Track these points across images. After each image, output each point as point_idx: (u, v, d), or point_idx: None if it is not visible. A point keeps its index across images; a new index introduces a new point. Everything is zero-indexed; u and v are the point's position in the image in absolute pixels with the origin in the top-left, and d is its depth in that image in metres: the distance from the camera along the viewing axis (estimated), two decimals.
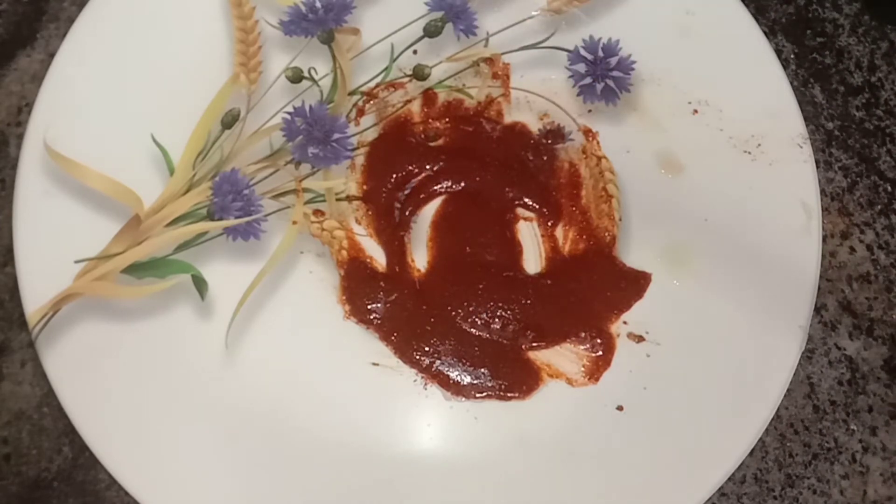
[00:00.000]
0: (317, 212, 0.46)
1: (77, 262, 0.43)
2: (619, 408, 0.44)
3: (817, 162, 0.49)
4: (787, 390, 0.44)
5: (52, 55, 0.47)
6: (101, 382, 0.42)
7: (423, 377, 0.44)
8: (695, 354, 0.45)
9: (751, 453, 0.44)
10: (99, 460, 0.41)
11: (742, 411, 0.44)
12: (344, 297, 0.45)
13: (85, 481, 0.44)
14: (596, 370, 0.45)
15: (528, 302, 0.45)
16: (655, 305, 0.46)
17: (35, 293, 0.43)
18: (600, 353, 0.45)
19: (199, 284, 0.44)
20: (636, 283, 0.46)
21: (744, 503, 0.46)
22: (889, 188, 0.51)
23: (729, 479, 0.43)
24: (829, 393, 0.48)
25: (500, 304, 0.45)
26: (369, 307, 0.45)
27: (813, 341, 0.48)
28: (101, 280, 0.43)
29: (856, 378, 0.48)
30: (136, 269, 0.44)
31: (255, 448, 0.43)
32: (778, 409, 0.44)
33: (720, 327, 0.45)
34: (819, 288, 0.46)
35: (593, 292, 0.46)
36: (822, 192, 0.47)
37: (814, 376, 0.48)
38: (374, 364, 0.44)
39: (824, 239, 0.47)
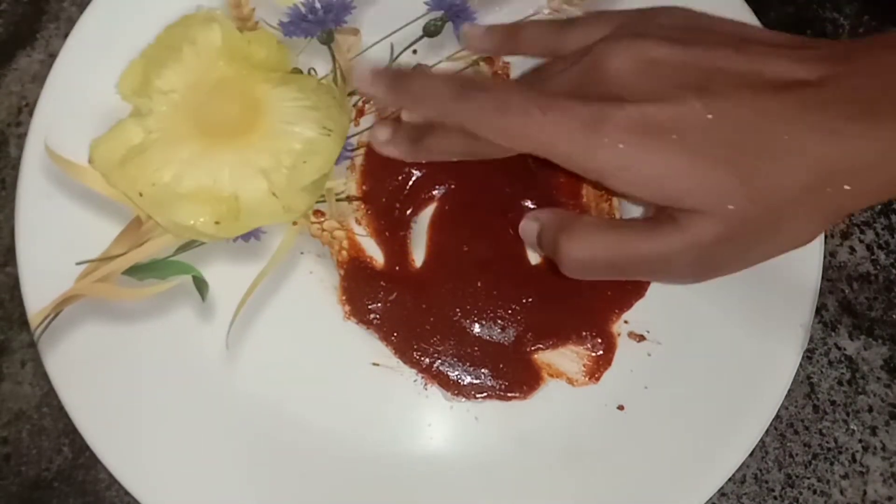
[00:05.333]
0: (317, 212, 0.46)
1: (78, 263, 0.43)
2: (620, 407, 0.44)
3: None
4: (788, 390, 0.44)
5: (52, 55, 0.47)
6: (103, 383, 0.42)
7: (423, 377, 0.44)
8: (696, 353, 0.45)
9: (751, 453, 0.44)
10: (100, 460, 0.41)
11: (742, 411, 0.44)
12: (344, 298, 0.45)
13: (85, 481, 0.44)
14: (597, 370, 0.45)
15: (529, 301, 0.45)
16: (656, 304, 0.46)
17: (37, 295, 0.43)
18: (601, 352, 0.45)
19: (200, 285, 0.44)
20: (637, 282, 0.46)
21: (744, 503, 0.46)
22: None
23: (729, 479, 0.43)
24: (829, 393, 0.48)
25: (500, 303, 0.45)
26: (369, 307, 0.45)
27: (813, 341, 0.48)
28: (103, 282, 0.43)
29: (856, 378, 0.48)
30: (137, 271, 0.44)
31: (256, 448, 0.43)
32: (778, 409, 0.44)
33: (721, 326, 0.45)
34: (819, 288, 0.46)
35: (594, 291, 0.46)
36: None
37: (814, 376, 0.48)
38: (374, 364, 0.44)
39: (824, 239, 0.47)
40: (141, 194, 0.43)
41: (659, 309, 0.45)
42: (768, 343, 0.45)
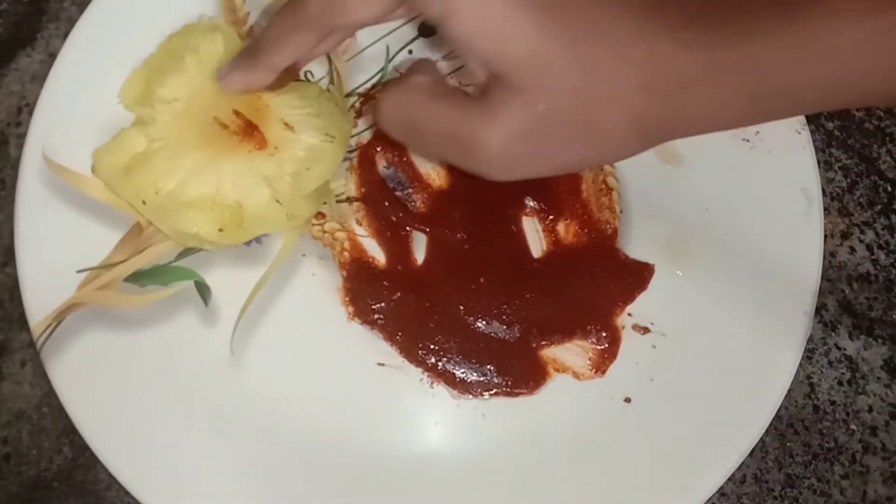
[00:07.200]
0: (318, 214, 0.46)
1: (80, 271, 0.43)
2: (627, 400, 0.44)
3: (817, 162, 0.49)
4: (788, 390, 0.44)
5: (52, 55, 0.47)
6: (106, 388, 0.42)
7: (429, 376, 0.44)
8: (700, 344, 0.45)
9: (751, 453, 0.44)
10: (101, 461, 0.41)
11: (743, 408, 0.44)
12: (347, 299, 0.45)
13: (85, 481, 0.44)
14: (602, 363, 0.45)
15: (532, 296, 0.45)
16: (659, 296, 0.46)
17: (38, 303, 0.42)
18: (606, 345, 0.45)
19: (203, 290, 0.44)
20: (640, 275, 0.46)
21: (744, 503, 0.46)
22: (889, 188, 0.51)
23: (729, 479, 0.43)
24: (829, 393, 0.48)
25: (504, 300, 0.45)
26: (373, 307, 0.45)
27: (813, 341, 0.49)
28: (105, 289, 0.43)
29: (856, 378, 0.48)
30: (138, 278, 0.44)
31: (259, 449, 0.42)
32: (778, 409, 0.44)
33: (724, 316, 0.45)
34: (819, 288, 0.46)
35: (597, 285, 0.46)
36: (822, 191, 0.47)
37: (814, 376, 0.48)
38: (379, 364, 0.44)
39: (824, 239, 0.47)
40: (144, 202, 0.43)
41: (662, 301, 0.46)
42: (771, 330, 0.45)
